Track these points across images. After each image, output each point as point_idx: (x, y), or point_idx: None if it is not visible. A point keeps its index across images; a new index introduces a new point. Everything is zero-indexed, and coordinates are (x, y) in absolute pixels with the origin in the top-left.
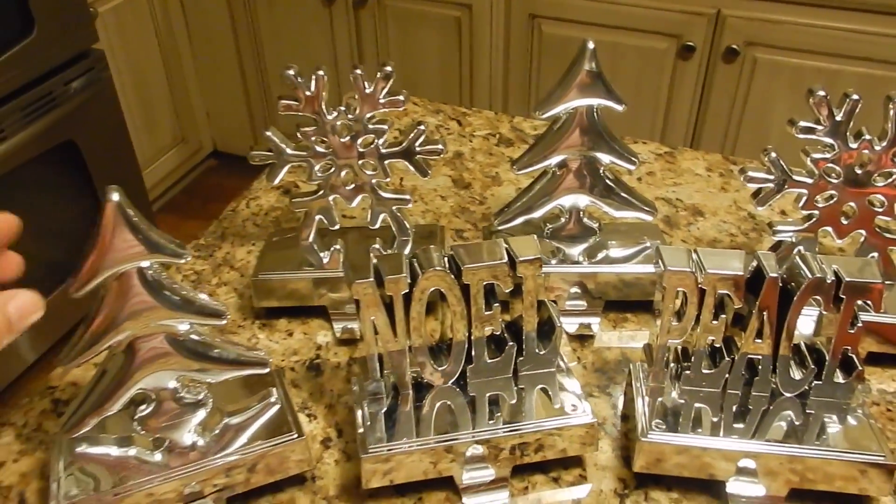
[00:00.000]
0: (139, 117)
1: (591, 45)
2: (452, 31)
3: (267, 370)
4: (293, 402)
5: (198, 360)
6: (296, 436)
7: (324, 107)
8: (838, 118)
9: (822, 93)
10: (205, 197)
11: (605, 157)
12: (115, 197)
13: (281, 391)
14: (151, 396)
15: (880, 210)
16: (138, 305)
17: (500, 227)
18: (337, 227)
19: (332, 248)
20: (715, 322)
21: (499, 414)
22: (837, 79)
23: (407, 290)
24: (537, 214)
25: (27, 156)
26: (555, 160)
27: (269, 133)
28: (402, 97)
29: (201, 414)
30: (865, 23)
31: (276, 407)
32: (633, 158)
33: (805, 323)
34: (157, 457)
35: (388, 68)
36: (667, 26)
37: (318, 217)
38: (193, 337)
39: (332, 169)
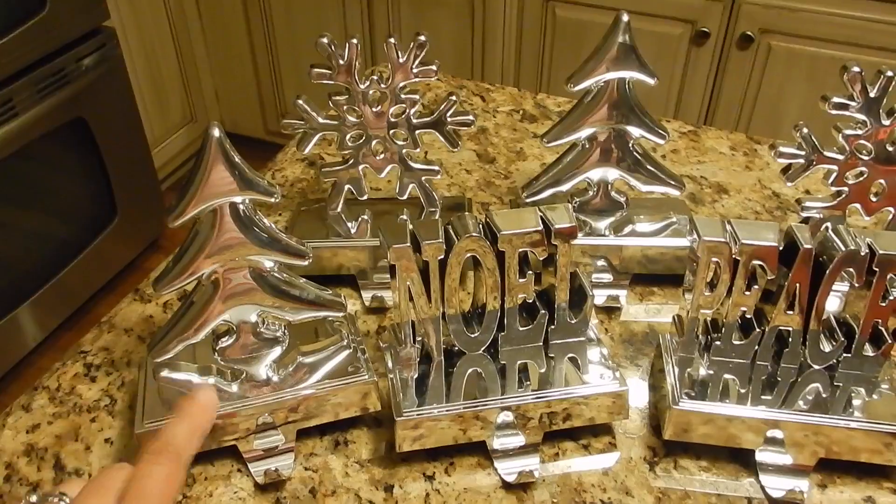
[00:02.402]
0: (149, 96)
1: (625, 18)
2: (466, 13)
3: (343, 313)
4: (365, 346)
5: (279, 297)
6: (366, 376)
7: (356, 76)
8: (872, 94)
9: (857, 69)
10: None
11: (635, 131)
12: (216, 133)
13: (352, 335)
14: (233, 329)
15: None
16: (229, 240)
17: (528, 200)
18: (365, 197)
19: (360, 218)
20: (747, 293)
21: (528, 382)
22: None
23: (443, 256)
24: (565, 188)
25: (37, 132)
26: (585, 133)
27: (300, 101)
28: (434, 67)
29: (277, 350)
30: (882, 12)
31: (348, 350)
32: (663, 132)
33: (831, 301)
34: (234, 387)
35: (422, 38)
36: (682, 12)
37: (347, 187)
38: (276, 275)
39: (363, 138)
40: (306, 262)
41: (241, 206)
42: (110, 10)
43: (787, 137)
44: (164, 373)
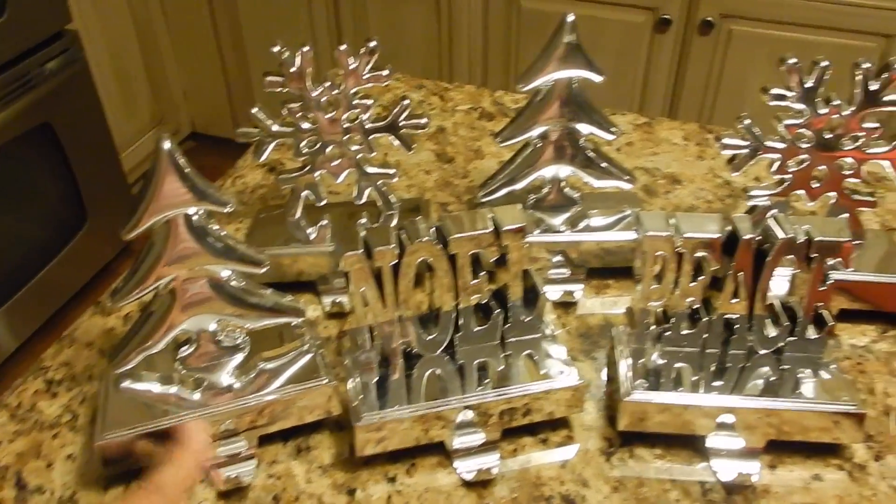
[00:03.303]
0: (116, 98)
1: (570, 18)
2: (432, 6)
3: (302, 319)
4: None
5: (237, 305)
6: (325, 381)
7: (309, 83)
8: (809, 85)
9: (792, 60)
10: None
11: (584, 128)
12: (167, 145)
13: (312, 340)
14: (193, 338)
15: (849, 173)
16: (184, 250)
17: (483, 200)
18: (324, 202)
19: (318, 224)
20: (693, 284)
21: (487, 380)
22: (812, 49)
23: (395, 262)
24: (520, 186)
25: (2, 139)
26: (536, 132)
27: (254, 111)
28: (385, 72)
29: (239, 357)
30: None
31: (309, 355)
32: (613, 129)
33: (780, 284)
34: (196, 395)
35: (373, 43)
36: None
37: (304, 193)
38: (234, 283)
39: (318, 145)
40: (263, 271)
41: (195, 217)
42: (73, 13)
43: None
44: (126, 383)
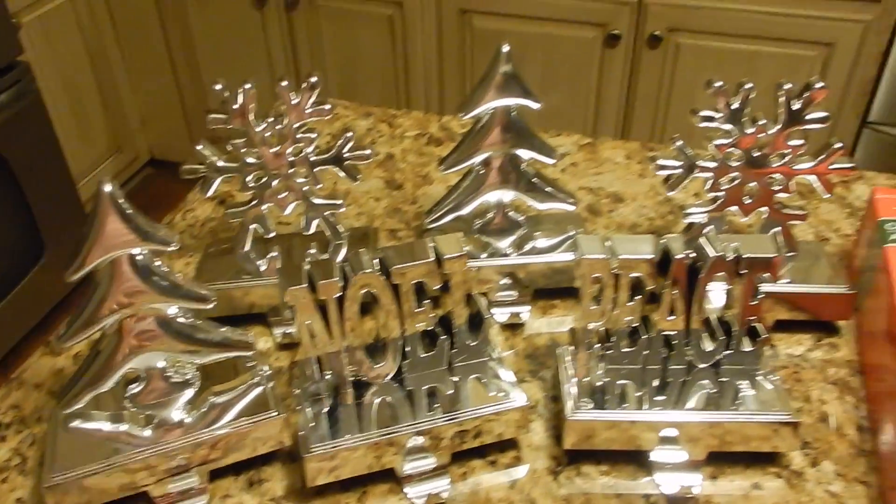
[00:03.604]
0: (71, 128)
1: (505, 48)
2: (385, 29)
3: (252, 352)
4: (275, 383)
5: (185, 341)
6: (275, 413)
7: (252, 119)
8: (735, 106)
9: (718, 83)
10: (145, 206)
11: (525, 154)
12: (108, 188)
13: (263, 372)
14: (142, 375)
15: (778, 188)
16: (129, 290)
17: (430, 226)
18: (272, 234)
19: (268, 256)
20: (631, 303)
21: (437, 405)
22: (756, 59)
23: (340, 294)
24: (465, 211)
25: None
26: (478, 158)
27: (199, 147)
28: (327, 106)
29: (189, 392)
30: (779, 5)
31: (259, 388)
32: (552, 154)
33: (717, 299)
34: (147, 432)
35: (314, 79)
36: (592, 16)
37: (252, 226)
38: (181, 320)
39: (265, 178)
40: (209, 306)
41: (139, 257)
42: (24, 44)
43: (701, 131)
44: (75, 423)
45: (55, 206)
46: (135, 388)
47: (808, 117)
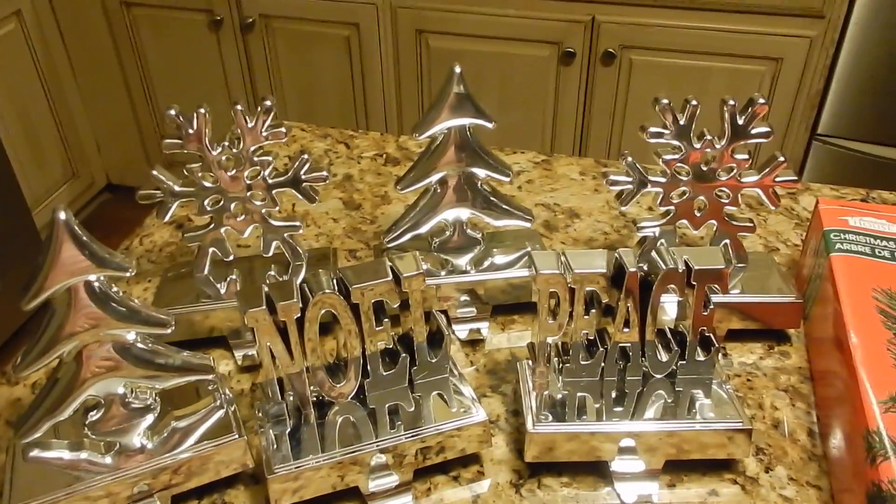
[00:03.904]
0: (25, 155)
1: (457, 70)
2: (343, 50)
3: (212, 376)
4: (236, 405)
5: (145, 367)
6: (236, 436)
7: (207, 143)
8: (682, 122)
9: (665, 101)
10: (102, 232)
11: (481, 172)
12: (62, 215)
13: (224, 395)
14: (101, 402)
15: (727, 201)
16: (86, 316)
17: (389, 245)
18: (231, 257)
19: (228, 279)
20: (587, 317)
21: (399, 422)
22: (708, 75)
23: (299, 315)
24: (423, 230)
25: None
26: (435, 178)
27: (154, 172)
28: (283, 129)
29: (150, 418)
30: (729, 22)
31: (220, 411)
32: (508, 171)
33: (672, 310)
34: (108, 459)
35: (268, 102)
36: (547, 34)
37: (211, 250)
38: (140, 345)
39: (222, 202)
40: (168, 331)
41: (96, 284)
42: None
43: (654, 147)
44: (34, 452)
45: (10, 235)
46: (94, 416)
47: (752, 132)
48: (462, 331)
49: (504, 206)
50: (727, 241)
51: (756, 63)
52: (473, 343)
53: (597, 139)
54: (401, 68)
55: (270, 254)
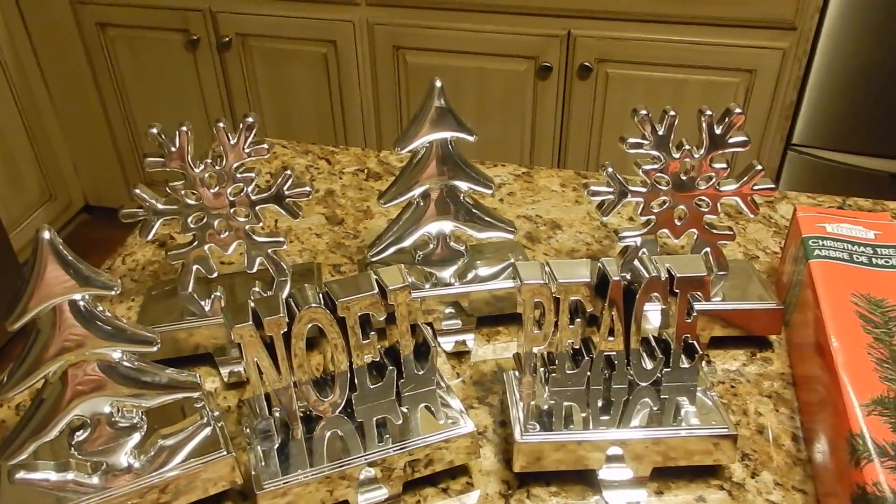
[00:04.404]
0: (1, 177)
1: (438, 84)
2: (320, 67)
3: (199, 393)
4: (223, 422)
5: (131, 385)
6: (224, 452)
7: (190, 160)
8: (661, 133)
9: (644, 112)
10: (81, 252)
11: (463, 185)
12: (46, 235)
13: (211, 412)
14: (87, 422)
15: (706, 210)
16: (72, 336)
17: (373, 259)
18: (215, 274)
19: (212, 296)
20: (571, 326)
21: (387, 435)
22: (683, 87)
23: (286, 329)
24: (407, 243)
25: None
26: (417, 191)
27: (137, 190)
28: (266, 146)
29: (136, 437)
30: (703, 35)
31: (208, 428)
32: (490, 184)
33: (655, 317)
34: (95, 479)
35: (250, 119)
36: (524, 49)
37: (195, 267)
38: (126, 364)
39: (205, 219)
40: (155, 349)
41: (81, 303)
42: None
43: (633, 156)
44: (20, 474)
45: None
46: (81, 436)
47: (730, 141)
48: (448, 343)
49: (487, 219)
50: (708, 249)
51: (730, 75)
52: (459, 355)
53: (575, 151)
54: (378, 85)
55: (254, 270)
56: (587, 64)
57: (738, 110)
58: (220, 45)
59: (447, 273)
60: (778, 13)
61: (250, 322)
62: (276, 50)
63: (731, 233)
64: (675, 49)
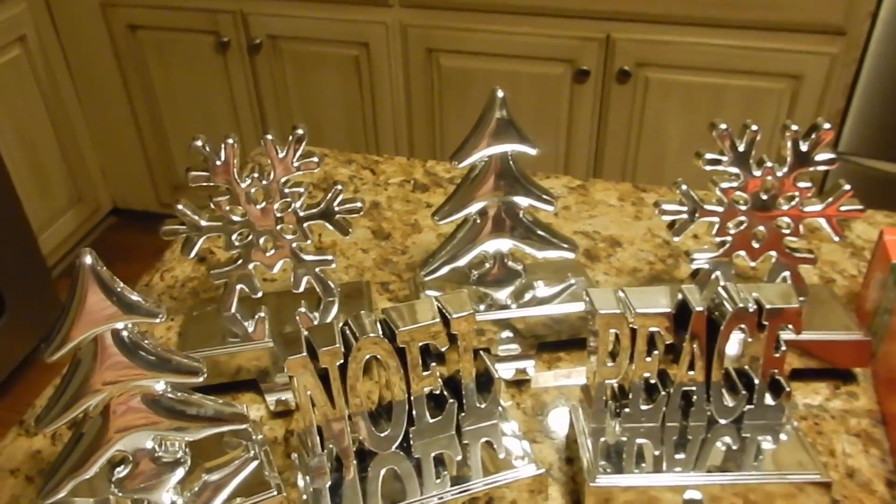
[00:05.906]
0: (30, 182)
1: (500, 94)
2: (352, 70)
3: (246, 425)
4: (271, 456)
5: (175, 418)
6: (274, 493)
7: (236, 175)
8: (741, 149)
9: (723, 126)
10: (109, 257)
11: (523, 201)
12: (88, 260)
13: (258, 445)
14: (129, 458)
15: (787, 231)
16: (114, 367)
17: (426, 279)
18: (259, 294)
19: (256, 317)
20: (648, 359)
21: (445, 473)
22: (723, 92)
23: (342, 361)
24: (462, 262)
25: None
26: (474, 208)
27: (180, 206)
28: (316, 158)
29: (180, 472)
30: (745, 39)
31: (254, 462)
32: (552, 200)
33: (731, 346)
34: None
35: (300, 131)
36: (561, 52)
37: (238, 287)
38: (170, 395)
39: (250, 236)
40: (201, 379)
41: (125, 332)
42: None
43: (671, 165)
44: None
45: (16, 262)
46: (121, 472)
47: (816, 159)
48: (507, 370)
49: (546, 236)
50: (787, 273)
51: (774, 80)
52: (518, 383)
53: (611, 160)
54: (411, 88)
55: (301, 289)
56: (626, 68)
57: (826, 126)
58: (250, 47)
59: (503, 294)
60: (827, 17)
61: (305, 353)
62: (308, 52)
63: (813, 256)
64: (718, 53)
